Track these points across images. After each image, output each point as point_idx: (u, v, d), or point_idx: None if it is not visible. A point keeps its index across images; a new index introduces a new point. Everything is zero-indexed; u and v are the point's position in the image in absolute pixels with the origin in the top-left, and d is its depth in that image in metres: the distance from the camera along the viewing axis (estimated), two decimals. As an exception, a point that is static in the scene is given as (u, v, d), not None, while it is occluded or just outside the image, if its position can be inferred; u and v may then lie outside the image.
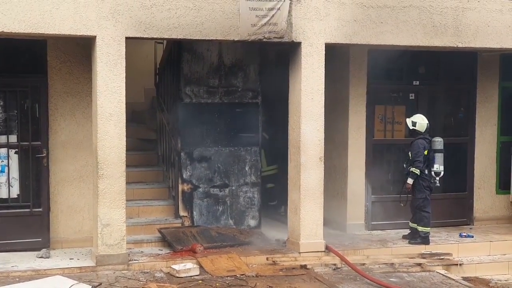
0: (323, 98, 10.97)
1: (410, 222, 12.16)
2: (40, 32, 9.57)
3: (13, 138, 10.90)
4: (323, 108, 10.99)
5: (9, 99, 10.88)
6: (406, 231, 12.21)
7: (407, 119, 12.17)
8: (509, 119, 13.70)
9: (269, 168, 13.88)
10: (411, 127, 11.96)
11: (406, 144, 12.93)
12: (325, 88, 10.99)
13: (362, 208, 12.97)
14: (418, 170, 11.74)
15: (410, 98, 13.32)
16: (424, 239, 11.76)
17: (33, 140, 10.95)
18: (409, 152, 11.99)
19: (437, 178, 11.87)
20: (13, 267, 9.90)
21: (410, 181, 11.76)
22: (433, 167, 11.79)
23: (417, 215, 11.92)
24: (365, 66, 12.81)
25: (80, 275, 9.67)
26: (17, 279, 9.47)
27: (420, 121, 11.95)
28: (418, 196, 11.86)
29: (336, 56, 12.00)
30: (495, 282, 10.78)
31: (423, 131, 11.94)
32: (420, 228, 11.81)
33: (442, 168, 11.81)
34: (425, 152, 11.82)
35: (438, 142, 11.85)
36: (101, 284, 9.10)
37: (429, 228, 11.84)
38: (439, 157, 11.81)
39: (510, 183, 13.65)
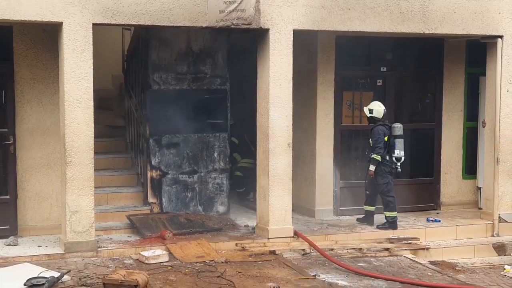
0: (291, 85, 11.00)
1: (364, 206, 12.28)
2: (6, 18, 9.48)
3: (-21, 125, 10.82)
4: (291, 95, 11.02)
5: (-25, 85, 10.82)
6: (375, 216, 12.29)
7: (364, 108, 12.29)
8: (475, 105, 13.83)
9: (245, 161, 13.91)
10: (368, 115, 12.08)
11: (373, 130, 13.07)
12: (293, 74, 11.02)
13: (331, 194, 13.04)
14: (379, 156, 11.85)
15: (378, 84, 13.41)
16: (392, 224, 11.87)
17: (0, 127, 10.88)
18: (370, 139, 12.10)
19: (398, 164, 12.00)
20: (-20, 255, 9.86)
21: (372, 167, 11.86)
22: (393, 152, 11.92)
23: (383, 201, 12.03)
24: (333, 52, 12.85)
25: (48, 262, 9.64)
26: (-15, 266, 9.44)
27: (376, 108, 12.07)
28: (380, 181, 11.97)
29: (304, 42, 12.02)
30: (462, 266, 10.91)
31: (380, 117, 12.07)
32: (387, 214, 11.92)
33: (402, 153, 11.95)
34: (385, 138, 11.93)
35: (398, 128, 11.97)
36: (70, 271, 9.06)
37: (395, 213, 11.96)
38: (399, 143, 11.95)
39: (476, 168, 13.81)
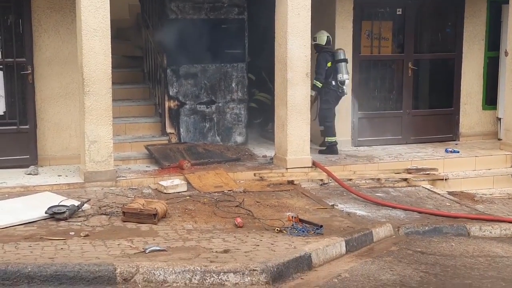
0: (310, 14, 10.86)
1: (326, 138, 12.46)
2: None
3: (-4, 55, 10.80)
4: (310, 24, 10.89)
5: (-8, 14, 10.77)
6: (393, 147, 12.27)
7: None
8: (497, 34, 13.63)
9: (262, 95, 13.83)
10: (313, 43, 12.00)
11: (393, 60, 12.95)
12: (311, 3, 10.86)
13: (349, 125, 13.00)
14: (319, 83, 12.06)
15: (397, 13, 13.21)
16: (331, 149, 12.19)
17: (18, 56, 10.84)
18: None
19: (344, 87, 12.21)
20: (2, 184, 9.94)
21: (312, 93, 11.91)
22: (337, 77, 12.02)
23: (324, 126, 12.36)
24: (352, -20, 12.67)
25: (68, 192, 9.72)
26: (7, 195, 9.51)
27: (319, 35, 12.19)
28: (323, 106, 12.27)
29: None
30: (480, 196, 10.89)
31: (324, 43, 12.17)
32: (327, 139, 12.24)
33: (346, 76, 12.18)
34: (329, 64, 12.09)
35: (341, 52, 12.20)
36: (89, 200, 9.14)
37: (335, 138, 12.21)
38: (342, 67, 12.11)
39: (496, 98, 13.69)
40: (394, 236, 8.47)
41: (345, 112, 12.86)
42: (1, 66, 10.80)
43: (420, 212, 9.29)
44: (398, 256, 7.71)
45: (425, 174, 11.28)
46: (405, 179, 10.99)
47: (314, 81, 11.98)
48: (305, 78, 10.92)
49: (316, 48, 12.18)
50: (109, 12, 9.87)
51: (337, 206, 9.46)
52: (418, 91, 13.61)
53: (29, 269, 6.39)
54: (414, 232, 8.61)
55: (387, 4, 13.16)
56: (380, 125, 12.98)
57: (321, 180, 10.79)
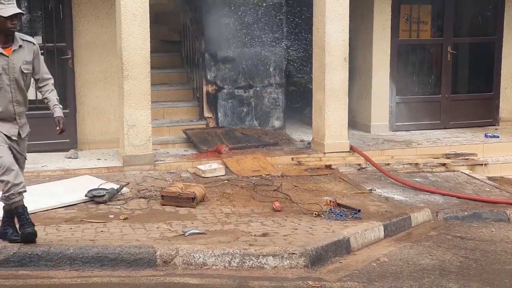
0: (348, -2, 10.83)
1: None
2: None
3: (38, 40, 10.80)
4: (348, 8, 10.83)
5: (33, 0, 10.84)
6: (431, 132, 12.16)
7: None
8: (538, 18, 13.45)
9: (300, 76, 13.81)
10: None
11: (432, 44, 12.84)
12: (350, -13, 10.83)
13: (387, 109, 12.94)
14: None
15: (437, -4, 13.10)
16: None
17: (58, 41, 10.96)
18: None
19: None
20: (43, 167, 10.07)
21: None
22: None
23: None
24: (391, -37, 12.57)
25: (108, 175, 9.81)
26: (47, 178, 9.65)
27: None
28: None
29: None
30: (520, 182, 10.81)
31: None
32: None
33: None
34: None
35: None
36: (128, 183, 9.22)
37: None
38: None
39: (537, 82, 13.53)
40: (432, 221, 8.43)
41: (382, 97, 12.80)
42: (42, 51, 10.85)
43: (459, 197, 9.23)
44: (437, 241, 7.68)
45: (464, 159, 11.19)
46: (444, 164, 10.91)
47: None
48: (343, 62, 10.88)
49: None
50: (147, -4, 9.93)
51: (375, 190, 9.44)
52: (457, 75, 13.50)
53: (71, 250, 6.47)
54: (453, 217, 8.56)
55: (427, -13, 13.04)
56: (418, 109, 12.89)
57: (359, 164, 10.77)
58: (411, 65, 13.20)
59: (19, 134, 6.76)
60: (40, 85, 6.91)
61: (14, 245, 6.57)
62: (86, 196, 8.47)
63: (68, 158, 10.60)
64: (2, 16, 6.41)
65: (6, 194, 6.50)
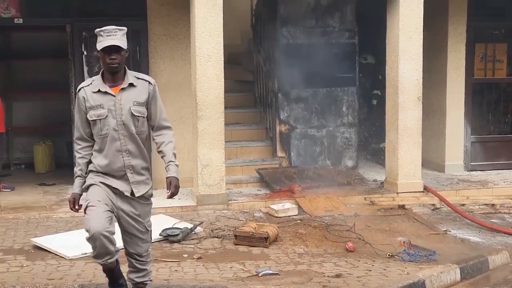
0: (422, 37, 10.77)
1: None
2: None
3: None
4: (421, 47, 10.80)
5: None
6: (508, 172, 11.95)
7: None
8: None
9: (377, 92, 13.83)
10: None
11: (508, 83, 12.64)
12: (423, 26, 10.78)
13: (461, 149, 12.78)
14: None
15: (513, 35, 12.95)
16: None
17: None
18: None
19: None
20: (117, 206, 10.20)
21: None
22: None
23: None
24: (465, 3, 12.46)
25: (181, 214, 9.91)
26: (122, 217, 9.78)
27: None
28: None
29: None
30: None
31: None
32: None
33: None
34: None
35: None
36: (202, 222, 9.29)
37: None
38: None
39: None
40: (511, 264, 8.24)
41: (457, 136, 12.66)
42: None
43: (538, 240, 9.03)
44: (515, 285, 7.52)
45: (543, 200, 10.95)
46: (522, 205, 10.70)
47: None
48: (416, 102, 10.82)
49: None
50: (222, 38, 10.06)
51: (450, 231, 9.29)
52: (535, 114, 13.29)
53: (146, 290, 6.54)
54: (533, 260, 8.37)
55: (502, 26, 12.90)
56: (494, 149, 12.70)
57: (433, 205, 10.64)
58: (486, 104, 13.04)
59: (132, 192, 5.75)
60: (155, 134, 5.87)
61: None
62: (160, 235, 8.56)
63: (143, 197, 10.72)
64: (100, 50, 5.59)
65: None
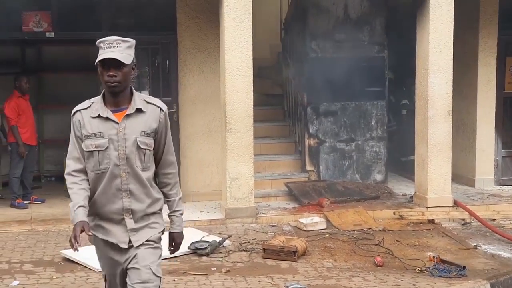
0: (452, 51, 10.72)
1: None
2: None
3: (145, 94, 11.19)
4: (452, 61, 10.75)
5: (141, 56, 11.13)
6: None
7: None
8: None
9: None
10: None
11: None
12: (453, 40, 10.74)
13: (492, 163, 12.68)
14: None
15: (545, 49, 12.82)
16: None
17: (164, 95, 11.21)
18: None
19: None
20: (146, 219, 10.24)
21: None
22: None
23: None
24: (496, 16, 12.39)
25: (210, 227, 9.93)
26: (151, 230, 9.81)
27: None
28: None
29: (465, 6, 11.66)
30: None
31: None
32: None
33: None
34: None
35: None
36: (230, 236, 9.31)
37: None
38: None
39: None
40: (542, 280, 8.15)
41: (487, 150, 12.56)
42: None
43: None
44: (547, 301, 7.43)
45: None
46: (553, 220, 10.59)
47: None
48: (446, 115, 10.76)
49: None
50: (251, 52, 10.10)
51: (480, 247, 9.21)
52: None
53: (174, 302, 6.57)
54: None
55: (533, 39, 12.81)
56: (526, 164, 12.62)
57: (463, 219, 10.56)
58: (517, 118, 12.94)
59: (130, 242, 4.62)
60: (161, 171, 4.78)
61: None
62: (188, 248, 8.58)
63: (172, 210, 10.75)
64: (98, 64, 4.60)
65: None
